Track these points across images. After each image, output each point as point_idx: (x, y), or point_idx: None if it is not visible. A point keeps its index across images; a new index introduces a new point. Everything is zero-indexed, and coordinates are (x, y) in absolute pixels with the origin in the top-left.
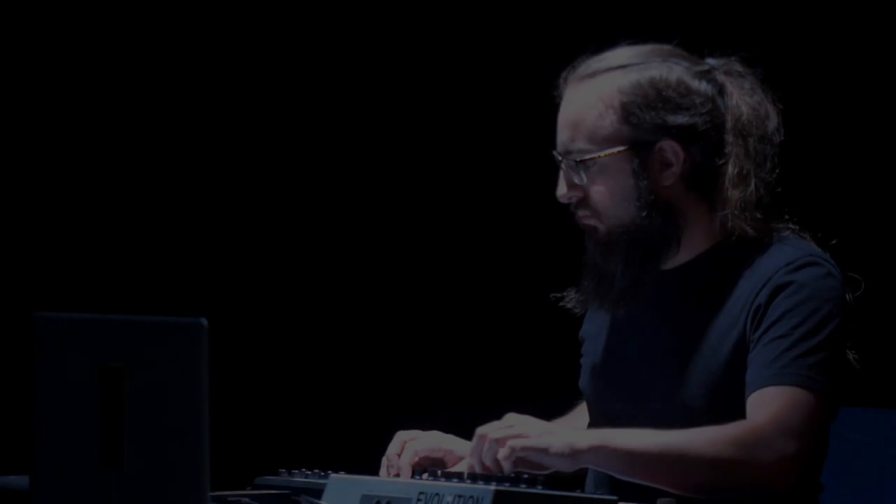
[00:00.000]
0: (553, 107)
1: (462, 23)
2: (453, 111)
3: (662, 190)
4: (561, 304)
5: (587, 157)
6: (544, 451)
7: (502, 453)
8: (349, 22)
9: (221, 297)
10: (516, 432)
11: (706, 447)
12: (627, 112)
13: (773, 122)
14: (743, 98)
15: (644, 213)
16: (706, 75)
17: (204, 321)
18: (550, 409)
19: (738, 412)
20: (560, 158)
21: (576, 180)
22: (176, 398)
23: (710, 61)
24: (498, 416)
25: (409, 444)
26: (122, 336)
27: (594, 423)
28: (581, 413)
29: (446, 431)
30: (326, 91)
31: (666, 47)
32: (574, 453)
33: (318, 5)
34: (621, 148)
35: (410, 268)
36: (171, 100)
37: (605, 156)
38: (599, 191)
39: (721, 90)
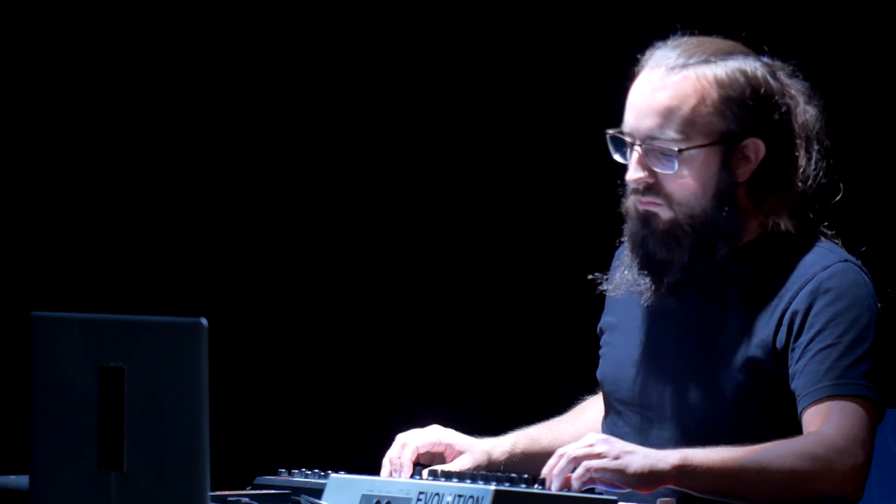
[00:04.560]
0: (575, 89)
1: (468, 19)
2: (456, 110)
3: (735, 185)
4: (599, 289)
5: (677, 147)
6: (621, 472)
7: (576, 472)
8: (350, 22)
9: (221, 297)
10: (594, 452)
11: (783, 461)
12: (724, 106)
13: (824, 126)
14: (807, 101)
15: (716, 206)
16: (775, 76)
17: (204, 321)
18: (551, 404)
19: (768, 406)
20: (635, 142)
21: (656, 167)
22: (176, 398)
23: (764, 58)
24: (498, 415)
25: (409, 442)
26: (122, 336)
27: (612, 412)
28: (583, 411)
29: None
30: (326, 91)
31: (732, 42)
32: (654, 474)
33: (318, 5)
34: (713, 140)
35: (409, 268)
36: (170, 100)
37: (696, 147)
38: (680, 181)
39: (785, 91)
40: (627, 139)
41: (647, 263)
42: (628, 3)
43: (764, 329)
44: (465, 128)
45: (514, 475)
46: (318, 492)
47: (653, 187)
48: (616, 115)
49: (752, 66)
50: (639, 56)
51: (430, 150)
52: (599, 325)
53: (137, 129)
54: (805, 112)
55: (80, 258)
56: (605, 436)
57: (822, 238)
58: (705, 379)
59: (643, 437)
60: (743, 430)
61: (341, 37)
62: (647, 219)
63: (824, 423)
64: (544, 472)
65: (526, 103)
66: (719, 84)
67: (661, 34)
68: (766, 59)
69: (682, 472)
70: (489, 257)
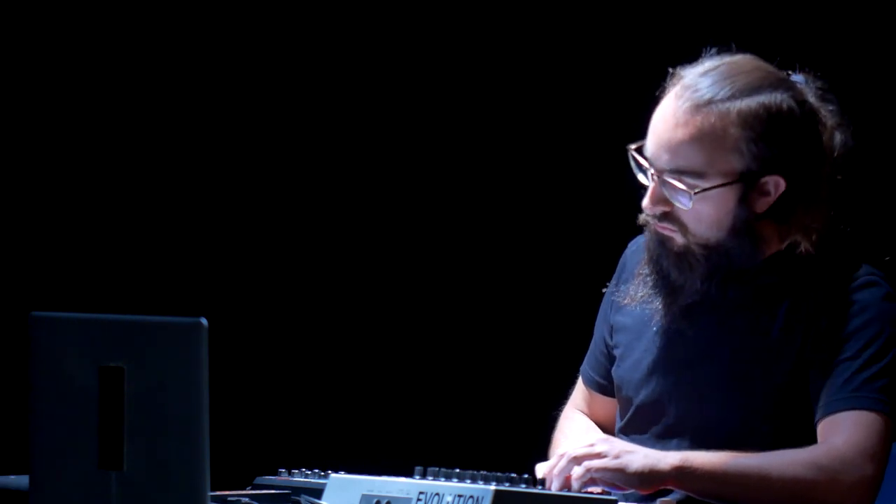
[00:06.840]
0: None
1: (471, 18)
2: (457, 110)
3: (752, 217)
4: (613, 298)
5: (693, 187)
6: (620, 471)
7: (576, 472)
8: (351, 22)
9: (221, 297)
10: (595, 452)
11: (786, 468)
12: (744, 145)
13: (852, 151)
14: (835, 127)
15: (731, 237)
16: (804, 105)
17: (204, 321)
18: (548, 404)
19: (795, 422)
20: (654, 173)
21: (674, 201)
22: (176, 398)
23: (797, 78)
24: (497, 414)
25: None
26: (122, 336)
27: (629, 416)
28: (572, 419)
29: (445, 429)
30: (326, 91)
31: (761, 64)
32: (654, 474)
33: (318, 5)
34: (731, 180)
35: (409, 268)
36: (171, 100)
37: (713, 188)
38: (695, 214)
39: (815, 119)
40: (645, 164)
41: (660, 282)
42: (632, 6)
43: (790, 344)
44: (462, 128)
45: (513, 475)
46: (318, 492)
47: (668, 215)
48: (614, 119)
49: (778, 99)
50: (670, 69)
51: (429, 151)
52: (611, 321)
53: (137, 129)
54: (833, 139)
55: (80, 258)
56: (605, 436)
57: (848, 254)
58: (731, 393)
59: (661, 445)
60: (769, 446)
61: (343, 37)
62: (662, 240)
63: (835, 434)
64: (544, 472)
65: (523, 103)
66: (742, 123)
67: (668, 40)
68: (798, 79)
69: (682, 473)
70: (488, 257)
